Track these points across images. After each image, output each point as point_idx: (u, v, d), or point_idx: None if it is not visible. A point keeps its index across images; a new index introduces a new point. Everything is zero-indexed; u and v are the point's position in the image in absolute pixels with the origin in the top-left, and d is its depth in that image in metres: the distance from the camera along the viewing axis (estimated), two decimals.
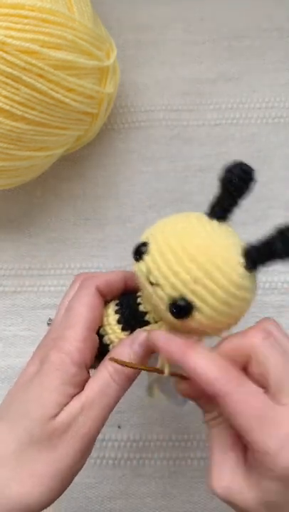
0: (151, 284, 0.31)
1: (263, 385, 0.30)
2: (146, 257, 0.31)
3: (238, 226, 0.50)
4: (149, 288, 0.31)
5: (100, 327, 0.35)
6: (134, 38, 0.53)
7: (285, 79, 0.52)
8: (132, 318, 0.35)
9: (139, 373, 0.34)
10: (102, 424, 0.32)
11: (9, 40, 0.39)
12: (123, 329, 0.35)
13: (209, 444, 0.32)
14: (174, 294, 0.30)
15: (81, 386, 0.33)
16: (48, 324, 0.37)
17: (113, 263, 0.51)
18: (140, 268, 0.32)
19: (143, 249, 0.32)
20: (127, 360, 0.33)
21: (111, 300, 0.36)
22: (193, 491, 0.47)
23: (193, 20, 0.53)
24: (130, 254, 0.50)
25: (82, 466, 0.33)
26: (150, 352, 0.33)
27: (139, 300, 0.35)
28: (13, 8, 0.39)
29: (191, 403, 0.35)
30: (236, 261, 0.30)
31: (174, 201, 0.51)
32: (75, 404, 0.32)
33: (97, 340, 0.34)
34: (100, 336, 0.35)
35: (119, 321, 0.35)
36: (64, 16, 0.41)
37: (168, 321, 0.32)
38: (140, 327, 0.34)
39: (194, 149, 0.52)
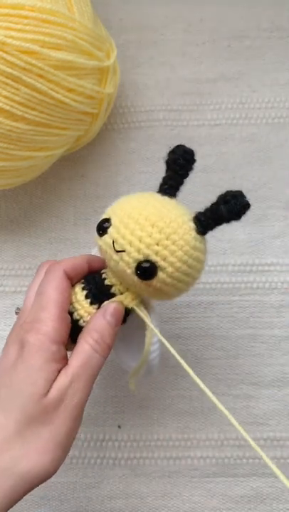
0: (117, 252, 0.34)
1: None
2: (111, 230, 0.35)
3: (238, 226, 0.51)
4: (115, 256, 0.34)
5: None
6: (134, 39, 0.53)
7: (285, 79, 0.52)
8: (99, 292, 0.37)
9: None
10: (89, 392, 0.35)
11: (9, 41, 0.39)
12: (91, 303, 0.37)
13: None
14: (139, 257, 0.34)
15: (62, 361, 0.35)
16: (16, 313, 0.39)
17: None
18: (105, 241, 0.35)
19: (106, 224, 0.35)
20: (102, 329, 0.36)
21: (76, 282, 0.38)
22: (193, 490, 0.47)
23: (193, 21, 0.53)
24: None
25: (77, 431, 0.35)
26: (120, 320, 0.36)
27: (104, 276, 0.38)
28: (13, 9, 0.40)
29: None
30: (189, 226, 0.35)
31: None
32: (63, 379, 0.34)
33: (70, 319, 0.36)
34: (70, 314, 0.37)
35: (86, 296, 0.37)
36: (64, 17, 0.41)
37: (134, 287, 0.36)
38: (108, 299, 0.37)
39: (194, 149, 0.52)
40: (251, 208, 0.50)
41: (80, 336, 0.36)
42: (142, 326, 0.37)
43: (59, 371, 0.34)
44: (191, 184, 0.51)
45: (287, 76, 0.52)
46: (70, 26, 0.41)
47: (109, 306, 0.36)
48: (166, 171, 0.37)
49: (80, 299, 0.37)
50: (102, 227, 0.35)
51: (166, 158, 0.36)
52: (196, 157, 0.52)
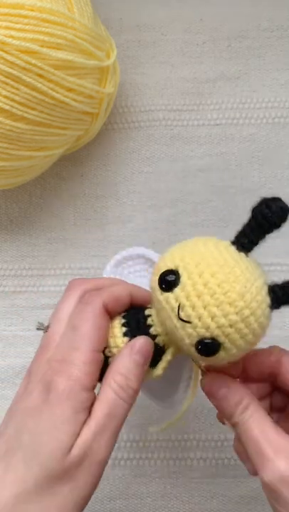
0: (181, 320, 0.30)
1: None
2: (178, 291, 0.30)
3: (238, 226, 0.50)
4: (177, 323, 0.30)
5: None
6: (134, 38, 0.53)
7: (285, 79, 0.52)
8: (140, 334, 0.33)
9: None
10: (114, 445, 0.32)
11: (9, 40, 0.39)
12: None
13: (245, 435, 0.32)
14: (206, 335, 0.29)
15: (90, 409, 0.32)
16: (38, 329, 0.36)
17: None
18: (169, 301, 0.30)
19: (171, 278, 0.30)
20: (128, 371, 0.32)
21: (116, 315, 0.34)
22: (193, 491, 0.47)
23: (193, 21, 0.53)
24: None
25: (97, 485, 0.33)
26: (149, 358, 0.33)
27: (149, 321, 0.33)
28: (13, 8, 0.40)
29: (178, 406, 0.35)
30: (266, 303, 0.30)
31: (174, 201, 0.51)
32: (87, 433, 0.31)
33: (103, 359, 0.33)
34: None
35: (125, 334, 0.33)
36: (64, 16, 0.41)
37: (184, 348, 0.31)
38: None
39: (194, 149, 0.52)
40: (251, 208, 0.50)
41: (104, 377, 0.32)
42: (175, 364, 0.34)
43: (85, 421, 0.31)
44: (191, 184, 0.51)
45: (287, 76, 0.52)
46: (70, 26, 0.41)
47: (137, 342, 0.32)
48: (251, 221, 0.31)
49: (117, 334, 0.33)
50: (167, 282, 0.30)
51: (256, 208, 0.31)
52: (196, 157, 0.52)
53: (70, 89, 0.42)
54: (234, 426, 0.33)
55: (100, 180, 0.52)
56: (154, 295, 0.31)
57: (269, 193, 0.51)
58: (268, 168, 0.51)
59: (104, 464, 0.32)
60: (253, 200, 0.53)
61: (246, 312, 0.29)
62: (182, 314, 0.30)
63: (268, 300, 0.30)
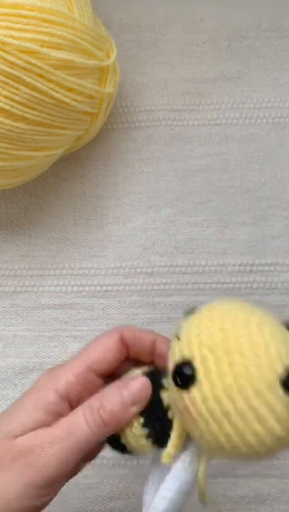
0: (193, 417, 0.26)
1: None
2: (195, 391, 0.26)
3: (238, 226, 0.51)
4: (190, 420, 0.27)
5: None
6: (134, 38, 0.53)
7: (285, 79, 0.52)
8: (164, 435, 0.30)
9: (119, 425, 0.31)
10: (66, 467, 0.30)
11: (9, 40, 0.39)
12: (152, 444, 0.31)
13: None
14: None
15: (55, 418, 0.31)
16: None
17: (113, 263, 0.51)
18: (183, 400, 0.26)
19: (188, 372, 0.26)
20: (108, 402, 0.30)
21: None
22: (192, 491, 0.47)
23: (193, 21, 0.53)
24: (130, 254, 0.51)
25: (29, 501, 0.30)
26: (140, 403, 0.30)
27: (169, 415, 0.30)
28: (13, 8, 0.40)
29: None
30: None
31: (174, 201, 0.51)
32: (37, 434, 0.30)
33: (96, 384, 0.32)
34: (118, 437, 0.31)
35: (147, 437, 0.30)
36: (64, 16, 0.41)
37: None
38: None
39: (194, 149, 0.52)
40: (251, 207, 0.51)
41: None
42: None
43: (44, 423, 0.31)
44: (191, 184, 0.51)
45: (287, 76, 0.52)
46: (70, 26, 0.41)
47: (134, 381, 0.30)
48: None
49: (136, 433, 0.30)
50: (183, 376, 0.26)
51: None
52: (196, 157, 0.52)
53: (70, 89, 0.42)
54: None
55: (100, 181, 0.52)
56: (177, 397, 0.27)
57: (269, 193, 0.51)
58: (268, 168, 0.51)
59: (39, 477, 0.29)
60: (253, 200, 0.53)
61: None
62: (195, 414, 0.26)
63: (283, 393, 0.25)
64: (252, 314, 0.27)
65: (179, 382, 0.26)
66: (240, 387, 0.24)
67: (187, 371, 0.25)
